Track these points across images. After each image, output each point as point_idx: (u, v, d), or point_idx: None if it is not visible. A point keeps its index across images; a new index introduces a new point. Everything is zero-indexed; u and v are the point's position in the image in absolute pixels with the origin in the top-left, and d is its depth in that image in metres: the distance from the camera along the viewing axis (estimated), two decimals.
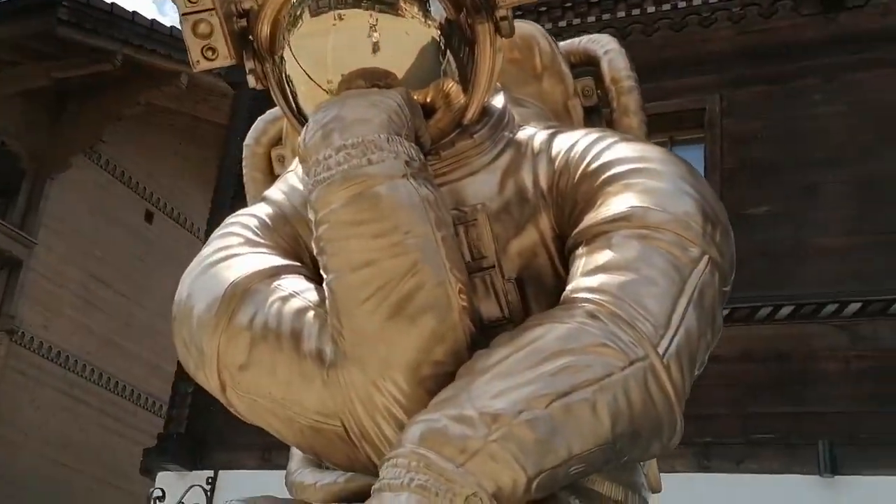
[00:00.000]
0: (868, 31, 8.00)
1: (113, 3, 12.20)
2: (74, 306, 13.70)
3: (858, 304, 7.16)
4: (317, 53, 1.72)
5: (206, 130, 14.75)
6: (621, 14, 8.47)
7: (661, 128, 6.83)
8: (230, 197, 8.96)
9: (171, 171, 15.11)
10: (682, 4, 8.45)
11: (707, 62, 8.16)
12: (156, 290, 14.54)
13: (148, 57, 12.54)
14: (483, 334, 1.63)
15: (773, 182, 7.54)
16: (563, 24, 8.16)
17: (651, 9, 8.48)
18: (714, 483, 6.84)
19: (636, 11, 8.48)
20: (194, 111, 14.38)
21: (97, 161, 13.99)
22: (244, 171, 2.36)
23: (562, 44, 2.33)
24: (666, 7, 8.46)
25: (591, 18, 8.37)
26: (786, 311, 7.20)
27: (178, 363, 9.17)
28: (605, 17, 8.41)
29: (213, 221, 9.15)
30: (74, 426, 13.39)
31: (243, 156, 2.37)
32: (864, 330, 7.17)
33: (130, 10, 12.45)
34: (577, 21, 8.19)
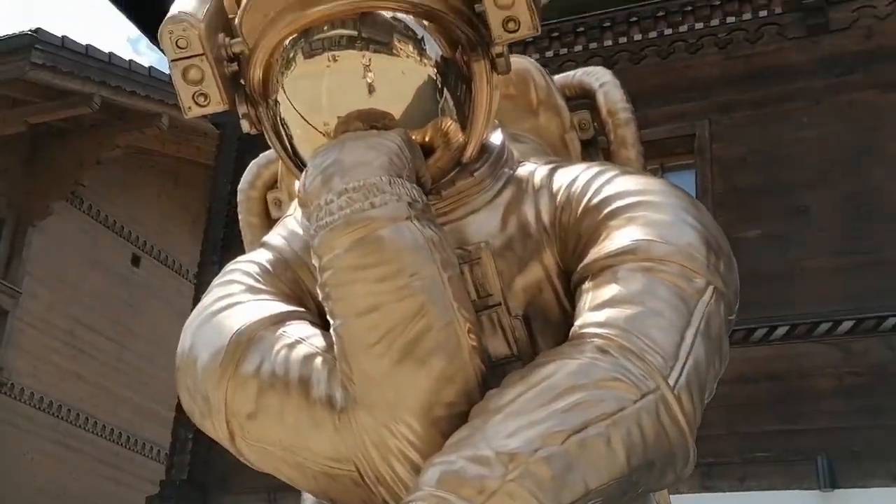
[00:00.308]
0: (852, 53, 8.08)
1: (88, 45, 12.01)
2: (63, 354, 13.54)
3: (851, 322, 7.21)
4: (312, 96, 1.70)
5: (190, 171, 14.67)
6: (608, 43, 8.51)
7: (651, 154, 6.84)
8: (220, 238, 8.96)
9: (156, 213, 14.98)
10: (668, 32, 8.52)
11: (695, 88, 8.21)
12: (145, 333, 14.45)
13: (127, 99, 12.36)
14: (492, 372, 1.62)
15: (764, 205, 7.59)
16: (549, 53, 8.19)
17: (638, 37, 8.53)
18: (718, 502, 6.90)
19: (623, 40, 8.53)
20: (177, 152, 14.27)
21: (80, 206, 13.82)
22: (240, 217, 2.35)
23: (556, 77, 2.33)
24: (652, 35, 8.52)
25: (578, 48, 8.40)
26: (780, 331, 7.26)
27: (177, 408, 9.14)
28: (592, 46, 8.45)
29: (204, 263, 9.16)
30: (70, 476, 13.19)
31: (238, 200, 2.35)
32: (856, 347, 7.24)
33: (106, 51, 12.25)
34: (563, 51, 8.23)
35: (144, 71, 12.55)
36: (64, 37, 11.75)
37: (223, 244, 8.76)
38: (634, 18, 8.63)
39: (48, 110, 12.28)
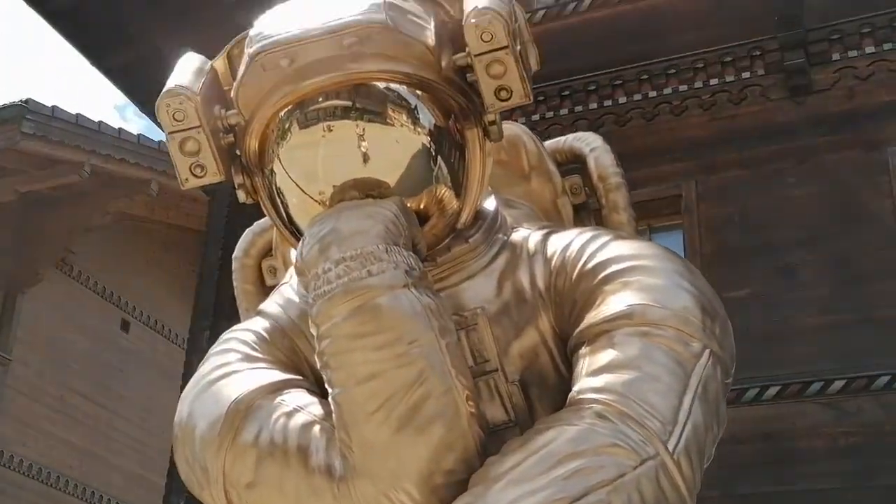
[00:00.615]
0: (835, 113, 8.16)
1: (78, 114, 12.12)
2: (53, 420, 13.44)
3: (842, 382, 7.20)
4: (307, 165, 1.72)
5: (180, 236, 14.67)
6: (593, 106, 8.58)
7: (638, 215, 6.83)
8: (211, 304, 8.92)
9: (145, 279, 14.95)
10: (652, 94, 8.59)
11: (680, 149, 8.27)
12: (136, 399, 14.36)
13: (116, 166, 12.43)
14: (489, 438, 1.62)
15: (752, 265, 7.61)
16: (535, 117, 8.25)
17: (622, 99, 8.61)
18: None
19: (608, 103, 8.60)
20: (166, 218, 14.28)
21: (69, 273, 13.80)
22: (235, 284, 2.35)
23: (547, 143, 2.36)
24: (637, 97, 8.59)
25: (564, 111, 8.47)
26: (772, 391, 7.24)
27: (168, 474, 9.07)
28: (578, 109, 8.52)
29: (195, 329, 9.12)
30: None
31: (233, 268, 2.36)
32: (848, 406, 7.21)
33: (96, 119, 12.34)
34: (549, 114, 8.29)
35: (134, 139, 12.65)
36: (54, 107, 11.86)
37: (214, 310, 8.73)
38: (619, 81, 8.70)
39: (39, 179, 12.36)
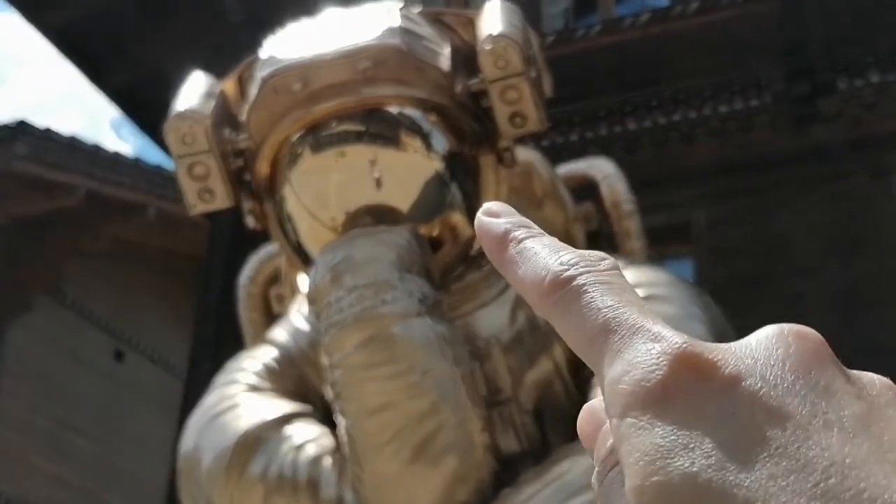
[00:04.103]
0: (841, 141, 8.16)
1: (72, 136, 11.96)
2: (45, 456, 13.02)
3: None
4: (319, 191, 1.70)
5: (178, 262, 14.44)
6: (603, 132, 8.58)
7: (649, 243, 6.89)
8: (212, 333, 8.82)
9: (140, 307, 14.60)
10: (662, 121, 8.58)
11: (690, 176, 8.26)
12: (131, 432, 14.07)
13: (113, 189, 12.23)
14: (501, 468, 1.59)
15: (760, 293, 7.58)
16: (545, 143, 8.22)
17: (633, 126, 8.60)
18: None
19: (618, 129, 8.60)
20: (164, 243, 14.05)
21: (61, 300, 13.44)
22: (241, 313, 2.31)
23: (560, 169, 2.33)
24: (647, 124, 8.59)
25: (574, 137, 8.45)
26: None
27: None
28: (588, 135, 8.51)
29: (196, 359, 9.02)
30: None
31: (239, 296, 2.32)
32: None
33: (91, 141, 12.16)
34: (560, 140, 8.27)
35: (131, 161, 12.46)
36: (48, 128, 11.72)
37: (215, 341, 8.64)
38: (629, 108, 8.71)
39: (31, 202, 12.13)
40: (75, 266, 12.85)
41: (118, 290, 14.18)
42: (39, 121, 11.85)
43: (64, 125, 13.06)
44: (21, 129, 11.30)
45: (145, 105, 10.04)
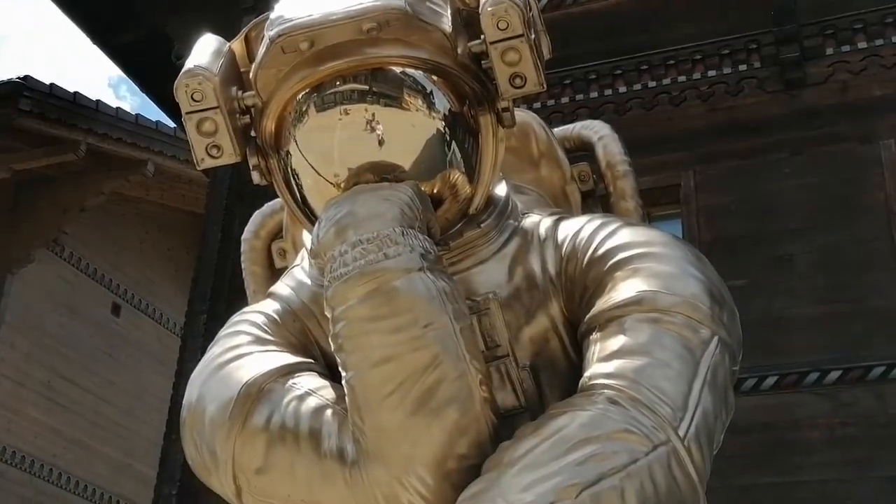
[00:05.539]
0: (829, 106, 8.22)
1: (76, 93, 11.94)
2: (39, 407, 12.96)
3: (839, 372, 7.23)
4: (323, 148, 1.73)
5: (175, 218, 14.45)
6: (594, 95, 8.61)
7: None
8: (209, 287, 8.84)
9: (137, 262, 14.56)
10: (652, 84, 8.61)
11: (679, 139, 8.30)
12: (125, 385, 14.07)
13: (113, 146, 12.20)
14: (500, 423, 1.62)
15: (749, 255, 7.64)
16: (537, 105, 8.26)
17: (622, 89, 8.64)
18: None
19: (608, 92, 8.63)
20: (161, 199, 14.00)
21: (60, 254, 13.38)
22: (243, 266, 2.35)
23: (556, 130, 2.37)
24: (637, 87, 8.62)
25: (565, 99, 8.49)
26: (770, 381, 7.27)
27: (161, 463, 9.01)
28: (579, 97, 8.54)
29: (192, 313, 9.04)
30: None
31: (241, 250, 2.36)
32: (845, 397, 7.23)
33: (94, 98, 12.15)
34: (551, 102, 8.30)
35: (131, 118, 12.44)
36: (52, 84, 11.68)
37: (212, 294, 8.67)
38: (619, 71, 8.74)
39: (34, 157, 12.12)
40: (75, 220, 12.85)
41: (116, 245, 14.19)
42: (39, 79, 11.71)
43: (62, 84, 12.96)
44: (25, 86, 11.28)
45: (146, 64, 10.03)
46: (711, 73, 8.60)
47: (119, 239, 14.23)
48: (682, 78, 8.63)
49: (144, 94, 10.14)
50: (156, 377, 14.02)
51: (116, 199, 13.42)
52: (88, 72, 49.42)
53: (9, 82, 11.40)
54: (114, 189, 12.97)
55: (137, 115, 12.47)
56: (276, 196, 1.90)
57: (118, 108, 12.35)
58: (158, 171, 12.72)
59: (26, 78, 11.43)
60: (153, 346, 14.72)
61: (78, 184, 12.67)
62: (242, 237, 2.36)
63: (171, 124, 12.17)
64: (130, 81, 10.84)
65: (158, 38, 9.68)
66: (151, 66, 10.08)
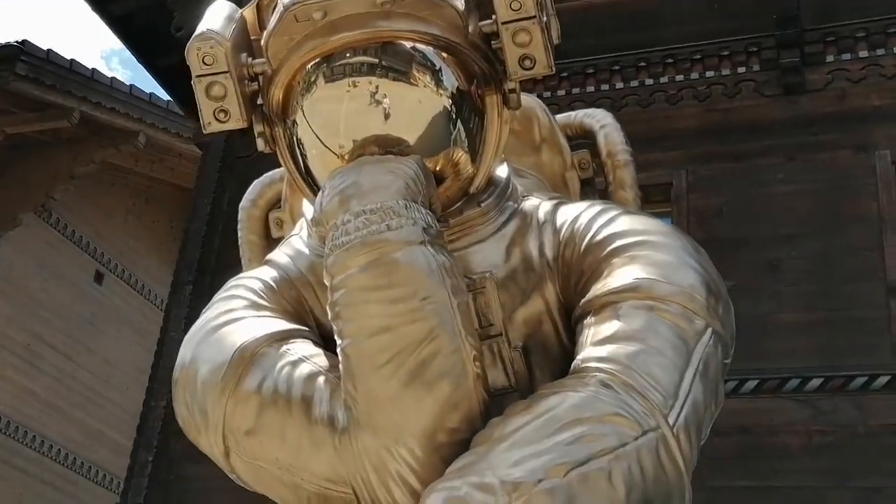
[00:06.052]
0: (826, 113, 8.22)
1: (72, 60, 11.94)
2: (17, 368, 13.02)
3: (820, 380, 7.24)
4: (330, 119, 1.74)
5: (162, 191, 14.46)
6: (591, 89, 8.62)
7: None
8: (196, 258, 8.81)
9: (123, 231, 14.57)
10: (649, 81, 8.62)
11: (673, 138, 8.30)
12: (103, 353, 14.07)
13: (106, 115, 12.22)
14: (489, 402, 1.63)
15: (738, 257, 7.65)
16: (533, 95, 8.26)
17: (619, 85, 8.65)
18: None
19: (605, 87, 8.64)
20: (150, 171, 14.01)
21: (47, 219, 13.40)
22: (239, 234, 2.36)
23: (558, 117, 2.38)
24: (634, 84, 8.63)
25: (561, 92, 8.49)
26: (750, 384, 7.28)
27: (138, 429, 9.00)
28: (575, 91, 8.55)
29: (178, 283, 9.01)
30: (13, 497, 12.63)
31: (239, 218, 2.37)
32: (824, 405, 7.25)
33: (90, 66, 12.15)
34: (547, 94, 8.30)
35: (125, 89, 12.46)
36: (49, 50, 11.67)
37: (198, 267, 8.66)
38: (617, 67, 8.74)
39: (27, 122, 12.12)
40: (64, 187, 12.85)
41: (102, 214, 14.20)
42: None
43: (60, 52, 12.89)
44: (23, 50, 11.26)
45: (145, 35, 9.99)
46: (709, 73, 8.60)
47: (106, 208, 14.24)
48: (679, 77, 8.64)
49: (141, 65, 10.05)
50: (134, 347, 14.05)
51: (106, 169, 13.42)
52: (81, 43, 49.19)
53: (7, 46, 11.38)
54: (105, 158, 12.97)
55: (132, 86, 12.48)
56: (272, 169, 1.90)
57: (113, 79, 12.36)
58: (149, 143, 12.75)
59: (24, 42, 11.41)
60: (133, 316, 14.72)
61: (69, 151, 12.68)
62: (241, 205, 2.36)
63: (165, 97, 12.17)
64: (122, 55, 10.73)
65: (158, 8, 9.63)
66: (150, 36, 10.03)
